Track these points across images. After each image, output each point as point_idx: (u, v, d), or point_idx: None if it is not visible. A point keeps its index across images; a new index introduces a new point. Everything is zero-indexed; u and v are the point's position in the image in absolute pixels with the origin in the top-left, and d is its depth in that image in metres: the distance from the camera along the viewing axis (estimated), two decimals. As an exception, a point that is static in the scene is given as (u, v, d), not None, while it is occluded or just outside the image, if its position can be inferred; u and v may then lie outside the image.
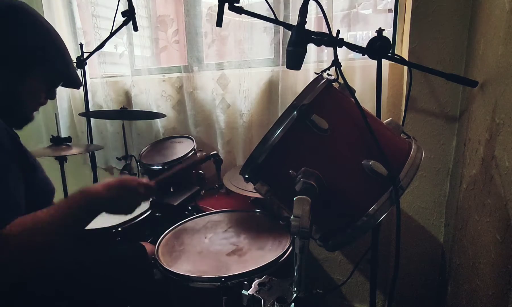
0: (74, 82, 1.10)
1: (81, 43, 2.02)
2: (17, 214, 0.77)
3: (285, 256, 1.19)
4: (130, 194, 0.97)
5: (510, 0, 0.92)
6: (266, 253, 1.22)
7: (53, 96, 1.07)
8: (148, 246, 1.33)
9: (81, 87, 2.04)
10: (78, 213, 0.85)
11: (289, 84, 1.82)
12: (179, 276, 1.13)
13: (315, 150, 0.82)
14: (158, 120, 2.18)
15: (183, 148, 1.87)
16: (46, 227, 0.78)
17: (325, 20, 0.94)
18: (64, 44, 1.05)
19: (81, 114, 2.09)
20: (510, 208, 0.85)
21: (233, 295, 1.06)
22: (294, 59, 0.97)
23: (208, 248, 1.29)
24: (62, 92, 2.39)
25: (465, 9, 1.37)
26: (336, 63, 0.89)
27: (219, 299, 1.09)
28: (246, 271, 1.09)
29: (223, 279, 1.07)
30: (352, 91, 0.86)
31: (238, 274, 1.09)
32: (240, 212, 1.57)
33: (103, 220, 1.54)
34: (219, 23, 1.19)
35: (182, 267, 1.17)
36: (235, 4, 1.15)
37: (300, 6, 0.96)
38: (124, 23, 1.74)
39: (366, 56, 1.06)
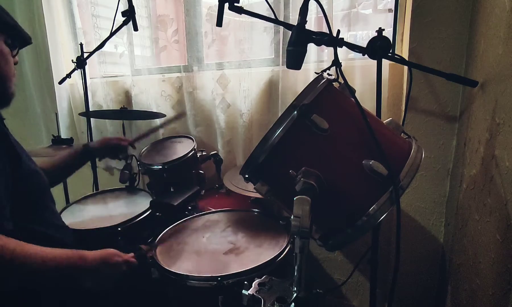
0: (26, 37, 1.11)
1: (81, 43, 2.02)
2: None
3: (282, 256, 1.18)
4: (113, 269, 1.04)
5: (510, 0, 0.92)
6: (263, 252, 1.22)
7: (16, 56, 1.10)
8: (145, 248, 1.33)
9: (81, 87, 2.07)
10: (63, 273, 0.93)
11: (289, 84, 1.81)
12: (176, 275, 1.13)
13: (315, 150, 0.82)
14: (158, 120, 2.18)
15: (183, 148, 1.87)
16: (34, 265, 0.86)
17: (325, 20, 0.94)
18: None
19: (81, 114, 2.09)
20: (510, 208, 0.85)
21: (230, 294, 1.06)
22: (294, 59, 0.97)
23: (206, 247, 1.29)
24: (62, 92, 2.39)
25: (465, 9, 1.36)
26: (336, 63, 0.89)
27: (217, 298, 1.09)
28: (243, 270, 1.09)
29: (219, 278, 1.06)
30: (352, 91, 0.86)
31: (235, 273, 1.08)
32: (238, 211, 1.56)
33: (103, 220, 1.54)
34: (219, 23, 1.19)
35: (180, 266, 1.17)
36: (235, 4, 1.14)
37: (300, 6, 0.95)
38: (124, 23, 1.74)
39: (366, 56, 1.05)
